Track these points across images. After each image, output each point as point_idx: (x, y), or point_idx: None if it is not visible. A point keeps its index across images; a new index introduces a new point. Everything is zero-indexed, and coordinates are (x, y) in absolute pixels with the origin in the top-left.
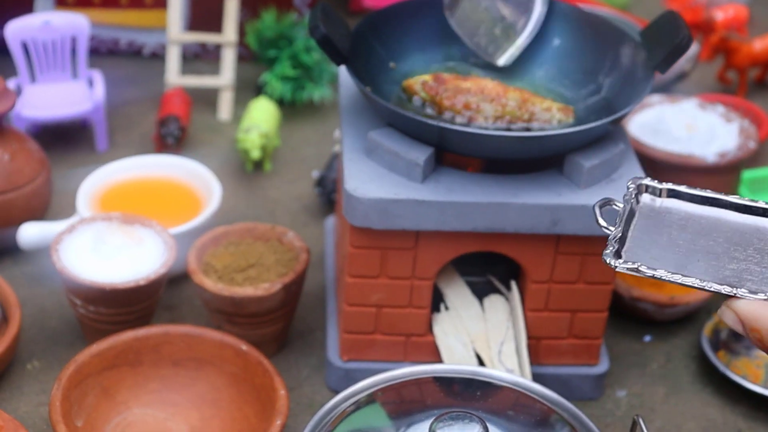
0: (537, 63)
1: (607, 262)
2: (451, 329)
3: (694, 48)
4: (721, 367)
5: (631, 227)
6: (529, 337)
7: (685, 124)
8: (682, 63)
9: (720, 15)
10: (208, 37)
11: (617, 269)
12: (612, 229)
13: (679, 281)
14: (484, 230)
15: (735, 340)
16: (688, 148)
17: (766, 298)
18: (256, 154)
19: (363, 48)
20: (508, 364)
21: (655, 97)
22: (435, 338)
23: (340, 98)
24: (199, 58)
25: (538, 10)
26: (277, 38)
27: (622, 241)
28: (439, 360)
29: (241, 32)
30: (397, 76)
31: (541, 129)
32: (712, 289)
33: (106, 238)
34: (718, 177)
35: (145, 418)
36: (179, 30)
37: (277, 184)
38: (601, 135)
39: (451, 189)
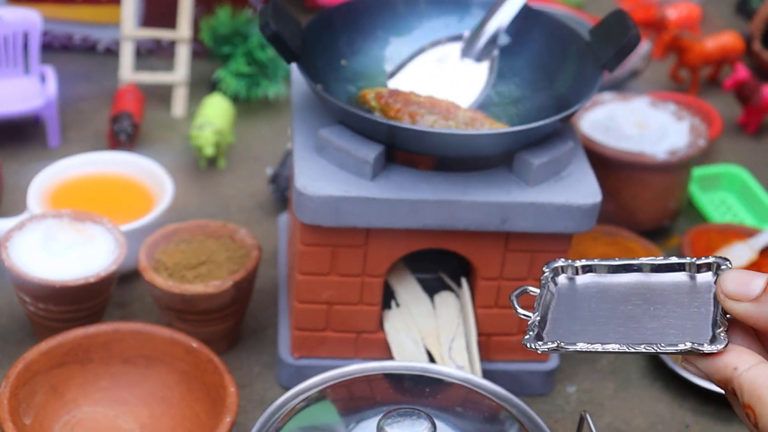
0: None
1: (529, 346)
2: (401, 326)
3: (646, 46)
4: (670, 363)
5: (550, 310)
6: (480, 334)
7: (636, 122)
8: (635, 61)
9: (672, 13)
10: (162, 33)
11: (539, 351)
12: (531, 315)
13: (600, 350)
14: (434, 227)
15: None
16: (639, 145)
17: (686, 348)
18: (209, 151)
19: (314, 46)
20: (458, 361)
21: (607, 95)
22: (386, 335)
23: (292, 95)
24: (154, 54)
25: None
26: (231, 34)
27: (542, 324)
28: (390, 357)
29: (196, 28)
30: (349, 74)
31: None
32: (632, 351)
33: (56, 235)
34: (668, 174)
35: (95, 416)
36: (133, 26)
37: (231, 181)
38: (550, 133)
39: (402, 186)
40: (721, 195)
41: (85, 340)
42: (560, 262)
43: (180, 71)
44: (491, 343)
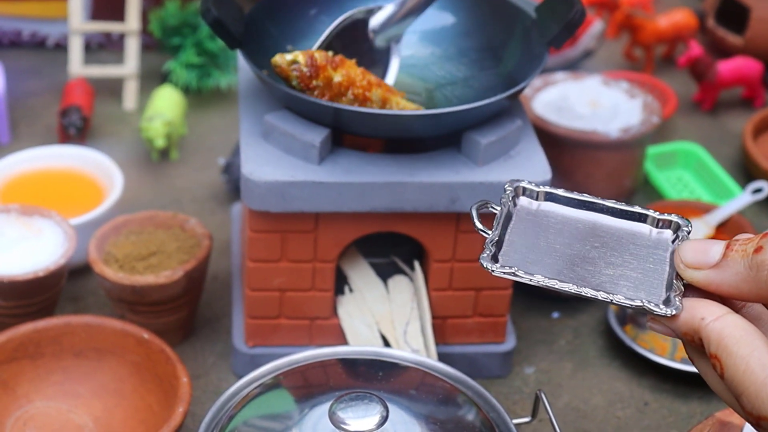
0: (433, 42)
1: (484, 266)
2: (355, 311)
3: (598, 26)
4: (628, 341)
5: (508, 231)
6: (435, 317)
7: (588, 101)
8: (588, 41)
9: None
10: (110, 27)
11: (494, 273)
12: (489, 232)
13: (556, 287)
14: (383, 210)
15: (642, 315)
16: (591, 124)
17: (641, 305)
18: (160, 142)
19: (258, 31)
20: (413, 345)
21: (560, 75)
22: (340, 321)
23: (238, 82)
24: (104, 48)
25: None
26: (180, 26)
27: (499, 244)
28: (345, 343)
29: (145, 20)
30: None
31: None
32: (588, 295)
33: (3, 230)
34: (622, 152)
35: (48, 411)
36: (81, 20)
37: (183, 173)
38: (497, 112)
39: (349, 170)
40: (677, 172)
41: (35, 334)
42: (524, 183)
43: (130, 64)
44: (447, 326)
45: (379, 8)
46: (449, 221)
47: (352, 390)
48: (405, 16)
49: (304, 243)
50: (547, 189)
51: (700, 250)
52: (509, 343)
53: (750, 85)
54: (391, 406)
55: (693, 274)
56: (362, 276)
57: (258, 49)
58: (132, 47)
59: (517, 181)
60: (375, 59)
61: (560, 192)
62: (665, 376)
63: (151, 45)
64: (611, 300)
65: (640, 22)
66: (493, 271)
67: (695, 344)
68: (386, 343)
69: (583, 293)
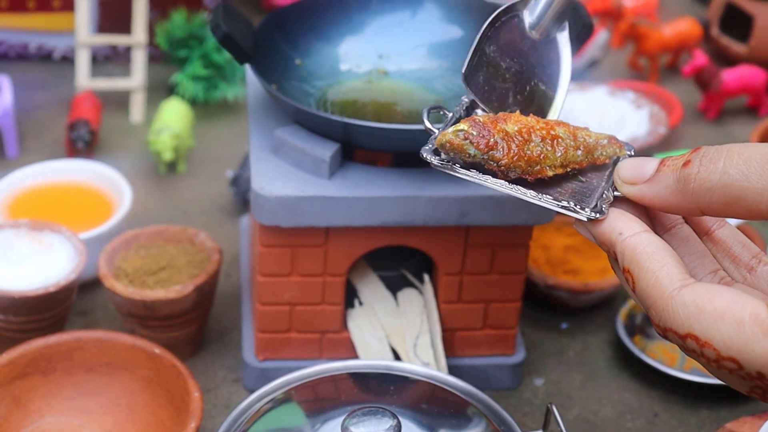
0: (442, 55)
1: (424, 156)
2: (365, 324)
3: (604, 35)
4: (637, 352)
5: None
6: (444, 330)
7: (595, 111)
8: (593, 51)
9: (629, 2)
10: (117, 39)
11: (432, 163)
12: (437, 130)
13: (487, 183)
14: (393, 224)
15: (650, 325)
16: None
17: (566, 206)
18: (168, 155)
19: (267, 46)
20: (423, 358)
21: None
22: (350, 334)
23: (247, 96)
24: (110, 60)
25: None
26: (187, 38)
27: None
28: (355, 356)
29: (152, 33)
30: (304, 73)
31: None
32: (516, 195)
33: (14, 246)
34: None
35: (59, 426)
36: (88, 33)
37: (191, 185)
38: None
39: (359, 184)
40: None
41: (47, 349)
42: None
43: (137, 77)
44: (456, 339)
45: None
46: (458, 234)
47: (364, 404)
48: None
49: (315, 257)
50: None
51: (636, 167)
52: (519, 355)
53: (755, 93)
54: (402, 420)
55: (628, 188)
56: (372, 289)
57: (267, 63)
58: (139, 60)
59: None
60: (542, 55)
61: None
62: (674, 387)
63: (157, 57)
64: (535, 201)
65: (644, 32)
66: (430, 161)
67: (612, 256)
68: (396, 356)
69: (512, 192)
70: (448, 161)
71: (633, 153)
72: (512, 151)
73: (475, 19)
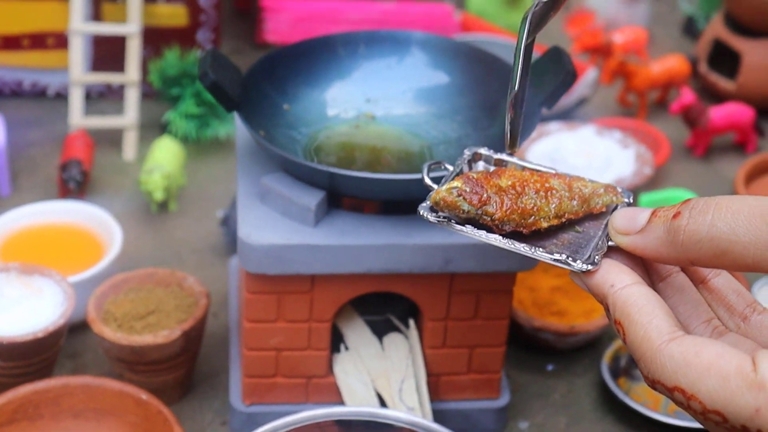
0: (428, 101)
1: (421, 213)
2: (351, 369)
3: (592, 73)
4: (620, 395)
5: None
6: (429, 374)
7: (582, 151)
8: (582, 89)
9: (619, 38)
10: (110, 78)
11: (429, 220)
12: (436, 186)
13: (482, 238)
14: (378, 272)
15: (635, 366)
16: (585, 176)
17: (560, 259)
18: (159, 195)
19: (256, 92)
20: (408, 402)
21: (554, 126)
22: (336, 379)
23: (236, 142)
24: (105, 97)
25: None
26: (180, 76)
27: None
28: (341, 400)
29: (145, 70)
30: (291, 119)
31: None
32: (510, 248)
33: (3, 290)
34: None
35: None
36: (81, 71)
37: (183, 224)
38: None
39: (344, 232)
40: None
41: (35, 395)
42: (483, 150)
43: (130, 115)
44: (441, 383)
45: None
46: (443, 281)
47: None
48: None
49: (300, 303)
50: (504, 156)
51: (629, 217)
52: (504, 399)
53: (742, 130)
54: None
55: (621, 239)
56: (358, 334)
57: (255, 109)
58: (132, 98)
59: (476, 147)
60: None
61: (515, 159)
62: (660, 430)
63: (151, 94)
64: (531, 254)
65: (633, 69)
66: (427, 218)
67: (605, 307)
68: (382, 401)
69: (506, 246)
70: (444, 217)
71: (631, 200)
72: (505, 204)
73: (461, 65)
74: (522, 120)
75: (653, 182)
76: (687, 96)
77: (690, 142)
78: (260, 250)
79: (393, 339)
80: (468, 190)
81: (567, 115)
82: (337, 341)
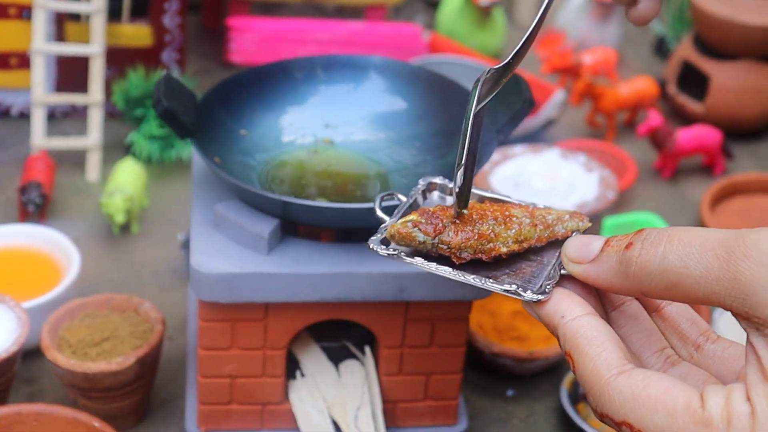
0: (386, 126)
1: (371, 247)
2: (307, 396)
3: (560, 95)
4: (579, 422)
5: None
6: (386, 401)
7: (546, 175)
8: (549, 110)
9: (588, 59)
10: (73, 98)
11: (379, 253)
12: (387, 219)
13: (432, 270)
14: (332, 300)
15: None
16: (548, 200)
17: (511, 289)
18: (120, 218)
19: (211, 118)
20: (364, 430)
21: (518, 148)
22: (291, 406)
23: (192, 168)
24: (69, 116)
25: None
26: (143, 97)
27: None
28: (296, 428)
29: (109, 90)
30: (247, 145)
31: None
32: (461, 280)
33: None
34: None
35: None
36: (43, 92)
37: (144, 247)
38: None
39: (298, 260)
40: None
41: None
42: (437, 180)
43: (93, 136)
44: (398, 410)
45: None
46: (398, 309)
47: None
48: None
49: (254, 331)
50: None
51: (582, 245)
52: (461, 425)
53: (709, 153)
54: None
55: (574, 267)
56: (314, 360)
57: (211, 135)
58: (95, 119)
59: (432, 177)
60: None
61: (472, 189)
62: None
63: (115, 113)
64: (482, 285)
65: (601, 91)
66: (377, 251)
67: (557, 338)
68: (337, 428)
69: (456, 278)
70: (394, 250)
71: (585, 226)
72: (462, 231)
73: (420, 91)
74: (471, 184)
75: (619, 204)
76: (654, 119)
77: (657, 164)
78: (213, 279)
79: (349, 366)
80: (423, 221)
81: (534, 137)
82: (292, 368)
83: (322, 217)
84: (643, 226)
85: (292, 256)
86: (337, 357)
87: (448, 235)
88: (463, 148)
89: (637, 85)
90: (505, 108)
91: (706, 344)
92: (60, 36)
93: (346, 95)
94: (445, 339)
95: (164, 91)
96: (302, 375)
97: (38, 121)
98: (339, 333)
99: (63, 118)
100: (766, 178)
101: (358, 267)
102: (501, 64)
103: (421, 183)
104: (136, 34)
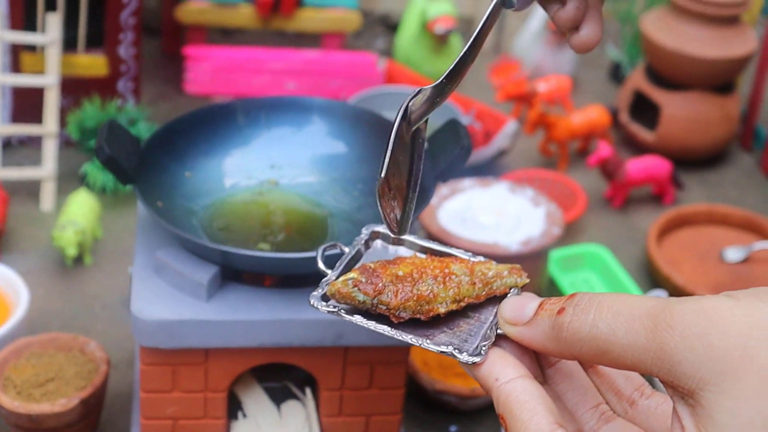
0: (329, 168)
1: (312, 303)
2: None
3: (512, 126)
4: None
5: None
6: None
7: (493, 209)
8: (501, 140)
9: (543, 86)
10: (27, 129)
11: (320, 310)
12: (329, 272)
13: (371, 328)
14: (271, 345)
15: None
16: (494, 236)
17: (446, 351)
18: (71, 251)
19: (154, 163)
20: None
21: (467, 182)
22: None
23: (137, 211)
24: (26, 145)
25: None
26: (98, 127)
27: None
28: None
29: (64, 119)
30: (189, 190)
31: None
32: (397, 338)
33: None
34: (522, 264)
35: None
36: None
37: (97, 278)
38: None
39: (237, 307)
40: (583, 274)
41: None
42: (380, 229)
43: (47, 166)
44: None
45: None
46: (337, 353)
47: None
48: None
49: (195, 374)
50: (403, 237)
51: (517, 307)
52: None
53: (659, 183)
54: None
55: (509, 329)
56: (256, 401)
57: (154, 180)
58: (49, 150)
59: (374, 225)
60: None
61: (412, 238)
62: None
63: (71, 141)
64: (419, 344)
65: (553, 120)
66: (318, 308)
67: (492, 399)
68: None
69: (395, 336)
70: (334, 307)
71: (521, 284)
72: (401, 293)
73: (363, 132)
74: (413, 205)
75: (569, 235)
76: (604, 150)
77: (608, 194)
78: (152, 325)
79: (291, 407)
80: (364, 280)
81: (486, 166)
82: (234, 408)
83: (261, 265)
84: (592, 258)
85: (232, 302)
86: (278, 398)
87: (388, 296)
88: (384, 161)
89: (590, 114)
90: (446, 153)
91: (640, 400)
92: (16, 66)
93: (290, 136)
94: (384, 381)
95: (107, 137)
96: (244, 416)
97: None
98: (281, 374)
99: (19, 146)
100: (713, 210)
101: (296, 314)
102: (434, 84)
103: (364, 232)
104: (92, 64)
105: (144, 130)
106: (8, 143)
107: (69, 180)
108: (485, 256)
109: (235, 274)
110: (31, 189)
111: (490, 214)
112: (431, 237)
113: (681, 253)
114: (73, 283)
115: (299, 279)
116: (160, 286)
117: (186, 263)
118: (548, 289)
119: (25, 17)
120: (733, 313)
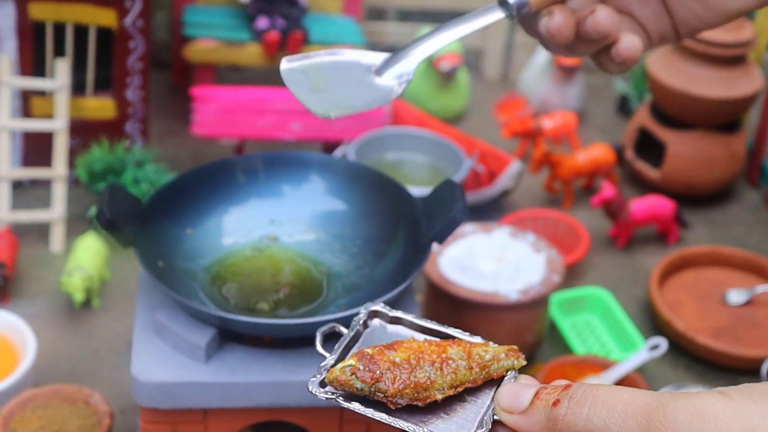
0: (327, 226)
1: (310, 389)
2: None
3: (516, 166)
4: None
5: (352, 352)
6: None
7: (493, 256)
8: (505, 180)
9: (548, 123)
10: (37, 173)
11: (318, 396)
12: (327, 356)
13: (369, 415)
14: (268, 406)
15: None
16: (493, 284)
17: None
18: (79, 297)
19: (154, 223)
20: None
21: (469, 227)
22: None
23: (138, 272)
24: (37, 185)
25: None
26: (106, 171)
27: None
28: None
29: (74, 161)
30: (193, 247)
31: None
32: (394, 426)
33: None
34: (522, 312)
35: None
36: (8, 167)
37: (104, 321)
38: None
39: (235, 369)
40: (585, 316)
41: None
42: (379, 308)
43: (57, 209)
44: None
45: None
46: (334, 412)
47: None
48: None
49: None
50: (399, 314)
51: (513, 396)
52: None
53: (663, 222)
54: None
55: (506, 417)
56: None
57: (155, 240)
58: (59, 193)
59: (372, 304)
60: None
61: (410, 317)
62: None
63: (80, 182)
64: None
65: (558, 159)
66: (316, 395)
67: None
68: None
69: (393, 424)
70: (332, 393)
71: (518, 368)
72: (398, 380)
73: (361, 189)
74: None
75: (572, 276)
76: (607, 190)
77: (612, 233)
78: (151, 387)
79: None
80: (362, 368)
81: (490, 205)
82: None
83: (258, 330)
84: (594, 300)
85: (230, 364)
86: None
87: (385, 383)
88: None
89: (594, 153)
90: (440, 215)
91: None
92: (26, 109)
93: (290, 192)
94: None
95: (108, 201)
96: None
97: (3, 195)
98: (280, 428)
99: (30, 186)
100: (717, 251)
101: (294, 375)
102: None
103: (363, 312)
104: (100, 106)
105: (151, 171)
106: (18, 184)
107: (78, 221)
108: (485, 305)
109: (233, 334)
110: (41, 230)
111: (490, 261)
112: (432, 284)
113: (683, 295)
114: (81, 326)
115: (294, 341)
116: (159, 347)
117: (184, 325)
118: (550, 334)
119: (34, 62)
120: (726, 414)
